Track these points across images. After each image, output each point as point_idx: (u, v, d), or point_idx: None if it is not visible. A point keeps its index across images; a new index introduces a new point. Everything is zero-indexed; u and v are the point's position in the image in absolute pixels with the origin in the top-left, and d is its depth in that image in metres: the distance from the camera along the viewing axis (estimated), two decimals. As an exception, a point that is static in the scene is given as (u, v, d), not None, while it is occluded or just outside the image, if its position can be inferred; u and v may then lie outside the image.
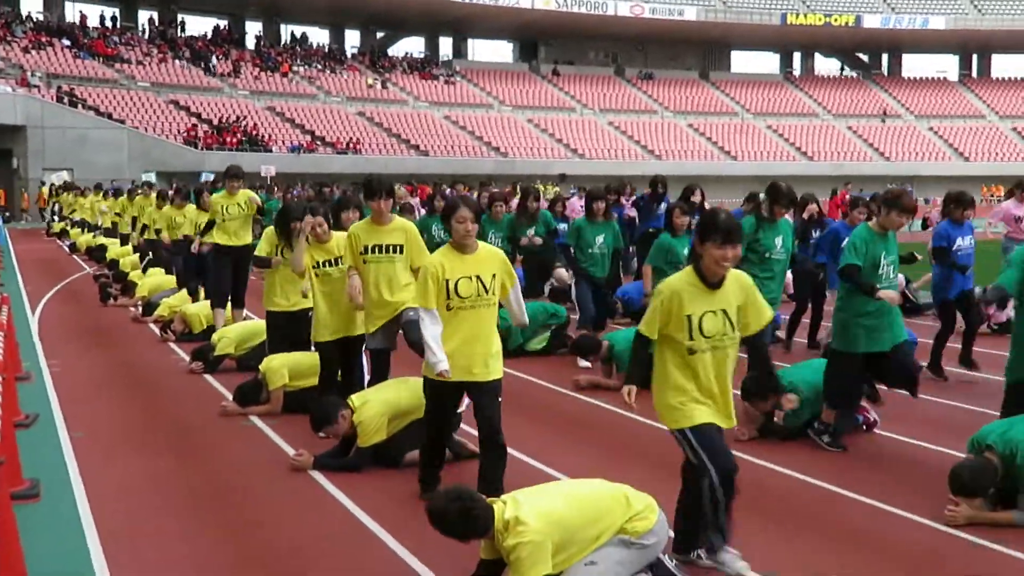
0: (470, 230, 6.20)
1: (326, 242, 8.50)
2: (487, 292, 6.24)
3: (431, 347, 6.07)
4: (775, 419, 8.26)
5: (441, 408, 6.42)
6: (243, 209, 12.80)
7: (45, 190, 46.18)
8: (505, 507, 4.82)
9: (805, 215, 12.72)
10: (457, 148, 64.24)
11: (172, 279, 16.58)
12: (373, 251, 7.79)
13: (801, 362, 8.84)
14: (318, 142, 59.18)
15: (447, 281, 6.15)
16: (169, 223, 16.18)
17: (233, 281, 13.06)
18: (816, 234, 12.44)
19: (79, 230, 31.11)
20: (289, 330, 9.82)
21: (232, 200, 12.80)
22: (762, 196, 10.81)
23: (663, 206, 14.45)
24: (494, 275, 6.28)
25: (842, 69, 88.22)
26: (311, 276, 8.48)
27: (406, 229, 7.94)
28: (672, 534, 5.36)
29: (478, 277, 6.20)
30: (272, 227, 9.80)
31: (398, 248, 7.84)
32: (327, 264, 8.44)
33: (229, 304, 13.15)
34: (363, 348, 8.63)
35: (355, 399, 7.57)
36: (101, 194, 31.90)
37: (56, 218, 38.79)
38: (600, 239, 11.96)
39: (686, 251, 10.19)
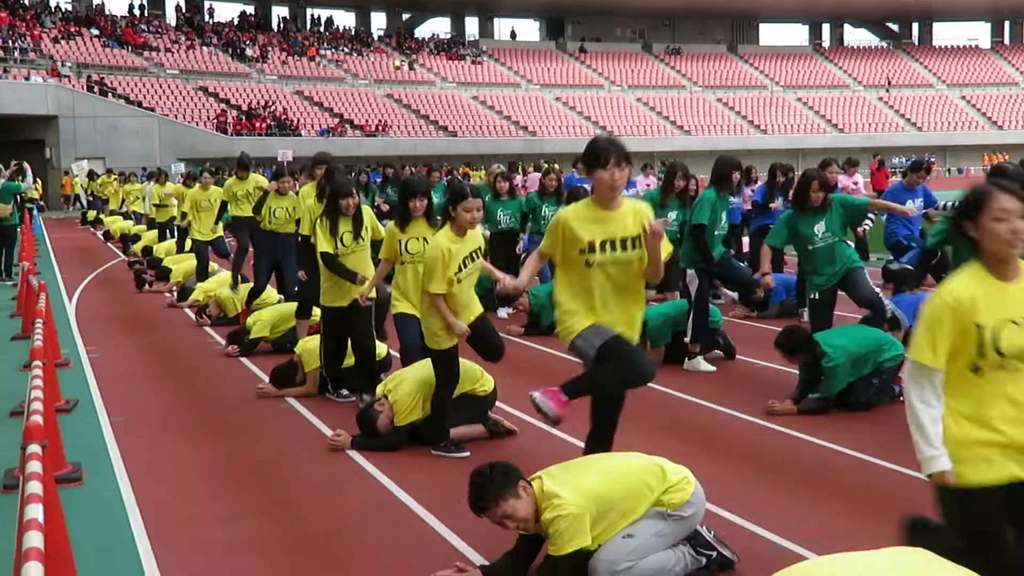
0: None
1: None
2: None
3: (927, 434, 3.80)
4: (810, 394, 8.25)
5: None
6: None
7: (67, 179, 46.67)
8: (543, 481, 4.85)
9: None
10: (485, 128, 64.15)
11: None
12: (602, 248, 5.43)
13: (838, 327, 8.75)
14: (347, 125, 59.27)
15: (980, 329, 3.76)
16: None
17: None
18: None
19: (113, 217, 31.35)
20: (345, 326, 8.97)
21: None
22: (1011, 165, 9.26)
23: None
24: None
25: (841, 40, 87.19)
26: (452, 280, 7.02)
27: (640, 212, 5.59)
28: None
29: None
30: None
31: (635, 242, 5.49)
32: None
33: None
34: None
35: (388, 381, 7.63)
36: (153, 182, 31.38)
37: (88, 205, 39.08)
38: (725, 216, 10.23)
39: (819, 229, 8.84)
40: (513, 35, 79.65)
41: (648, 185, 21.15)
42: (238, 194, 14.54)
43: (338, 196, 8.76)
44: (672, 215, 11.55)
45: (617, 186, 5.46)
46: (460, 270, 7.01)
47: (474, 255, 7.20)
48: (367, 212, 9.11)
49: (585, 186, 14.67)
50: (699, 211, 9.92)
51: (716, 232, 9.93)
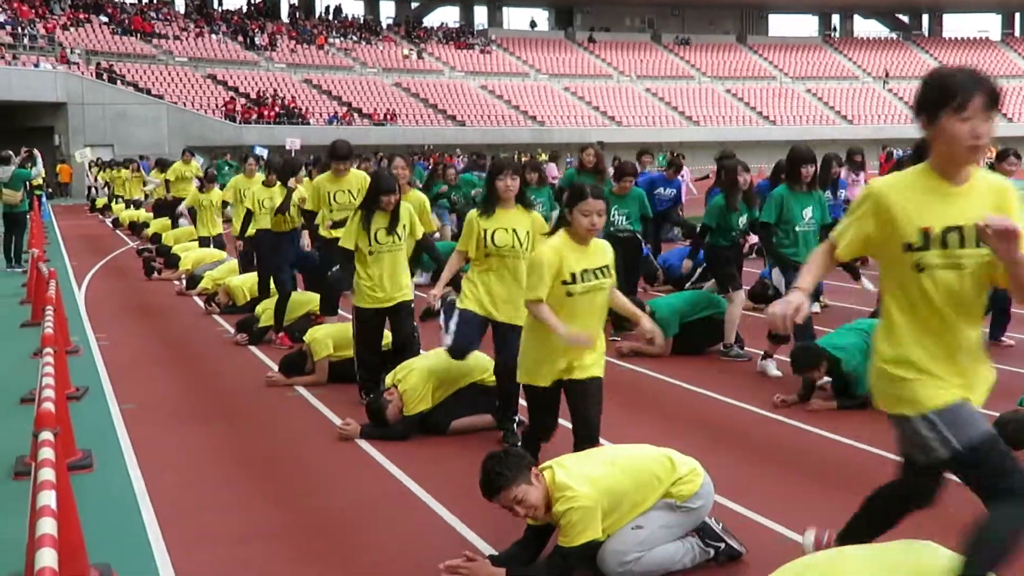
0: None
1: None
2: None
3: None
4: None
5: None
6: (355, 198, 10.23)
7: (62, 167, 46.69)
8: (555, 472, 4.86)
9: None
10: (494, 118, 64.10)
11: (217, 253, 16.73)
12: (943, 242, 3.62)
13: (837, 329, 8.68)
14: (355, 114, 59.25)
15: None
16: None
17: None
18: None
19: (122, 205, 31.38)
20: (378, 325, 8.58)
21: (339, 185, 10.46)
22: None
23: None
24: None
25: (851, 31, 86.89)
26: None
27: (1003, 189, 3.74)
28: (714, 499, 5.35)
29: None
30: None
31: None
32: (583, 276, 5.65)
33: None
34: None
35: (398, 371, 7.63)
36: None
37: (98, 192, 39.02)
38: (808, 212, 9.04)
39: None
40: (533, 24, 79.54)
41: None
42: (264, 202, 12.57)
43: (380, 192, 8.17)
44: (744, 219, 10.21)
45: (981, 146, 3.53)
46: (573, 281, 5.52)
47: (600, 272, 5.63)
48: (406, 208, 8.47)
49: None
50: (765, 208, 9.23)
51: (798, 229, 9.01)
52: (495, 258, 7.08)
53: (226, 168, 28.25)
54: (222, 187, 17.48)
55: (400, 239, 8.32)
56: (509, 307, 7.02)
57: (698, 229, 10.84)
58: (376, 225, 8.20)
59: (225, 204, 16.87)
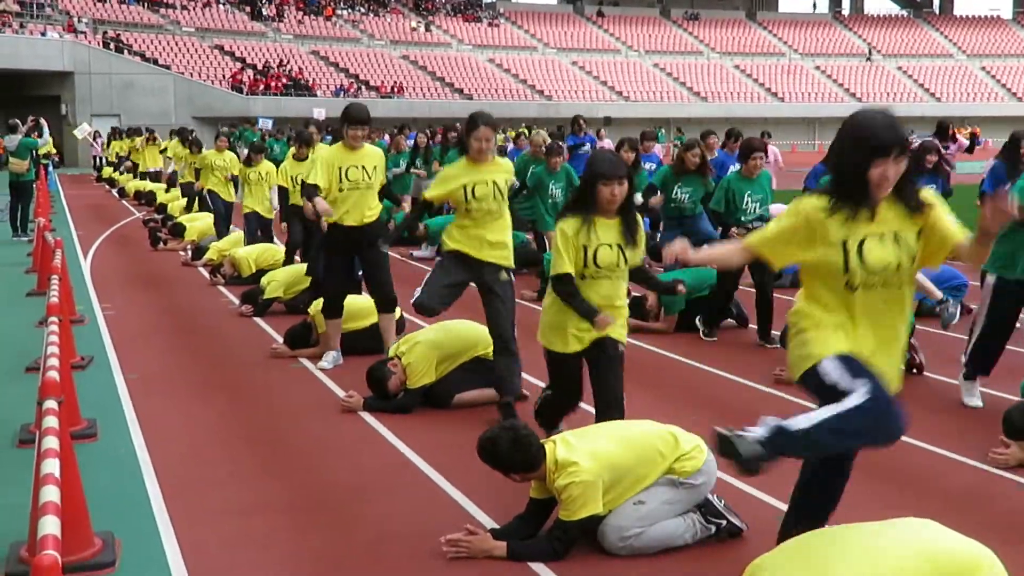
0: None
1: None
2: None
3: None
4: None
5: None
6: (369, 176, 8.46)
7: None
8: (556, 447, 4.87)
9: None
10: (501, 91, 63.92)
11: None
12: None
13: None
14: (362, 86, 59.12)
15: None
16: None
17: (368, 274, 8.84)
18: None
19: (128, 175, 31.34)
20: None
21: (352, 159, 8.39)
22: None
23: None
24: None
25: (861, 9, 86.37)
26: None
27: None
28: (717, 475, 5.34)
29: None
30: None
31: None
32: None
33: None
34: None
35: (402, 344, 7.63)
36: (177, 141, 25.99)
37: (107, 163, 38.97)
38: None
39: None
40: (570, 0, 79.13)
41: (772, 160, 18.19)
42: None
43: (598, 179, 5.57)
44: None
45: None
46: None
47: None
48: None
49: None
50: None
51: None
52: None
53: (254, 139, 27.99)
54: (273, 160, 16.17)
55: (624, 264, 5.77)
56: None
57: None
58: (601, 239, 5.65)
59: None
